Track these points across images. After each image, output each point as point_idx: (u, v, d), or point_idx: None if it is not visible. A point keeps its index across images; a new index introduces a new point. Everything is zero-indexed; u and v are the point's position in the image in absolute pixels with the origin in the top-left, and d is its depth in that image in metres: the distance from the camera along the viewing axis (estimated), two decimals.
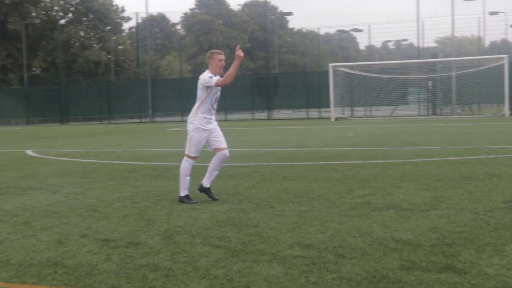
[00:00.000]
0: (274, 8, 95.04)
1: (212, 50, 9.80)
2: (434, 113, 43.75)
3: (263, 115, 48.34)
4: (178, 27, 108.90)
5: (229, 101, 47.83)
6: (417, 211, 8.06)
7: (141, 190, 10.76)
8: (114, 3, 77.33)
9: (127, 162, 15.70)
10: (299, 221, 7.64)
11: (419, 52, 51.96)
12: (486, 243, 6.33)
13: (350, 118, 43.21)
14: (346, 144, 19.41)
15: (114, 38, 76.02)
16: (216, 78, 9.28)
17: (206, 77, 9.31)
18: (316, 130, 29.70)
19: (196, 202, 9.31)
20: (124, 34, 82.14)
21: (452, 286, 5.03)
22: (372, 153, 16.29)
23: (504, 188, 9.71)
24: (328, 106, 42.57)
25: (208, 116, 9.50)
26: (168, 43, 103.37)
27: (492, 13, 73.91)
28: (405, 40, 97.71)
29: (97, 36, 76.51)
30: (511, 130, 24.73)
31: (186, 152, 9.52)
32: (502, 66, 39.75)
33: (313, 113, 46.19)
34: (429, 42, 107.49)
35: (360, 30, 75.96)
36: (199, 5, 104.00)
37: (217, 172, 9.71)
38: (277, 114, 50.06)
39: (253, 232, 7.14)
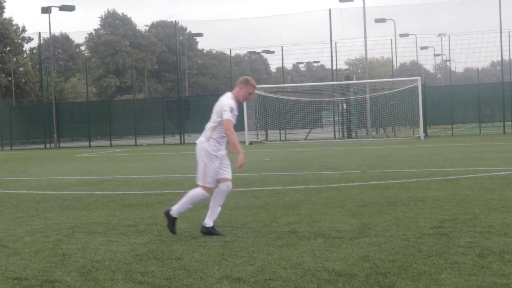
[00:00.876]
0: (183, 29, 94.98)
1: (249, 78, 9.15)
2: (349, 136, 44.38)
3: (175, 139, 48.02)
4: (83, 48, 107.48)
5: (138, 126, 47.33)
6: (346, 239, 8.04)
7: (52, 222, 10.38)
8: (14, 22, 75.59)
9: (34, 192, 15.21)
10: (225, 253, 7.50)
11: (332, 74, 52.74)
12: (421, 271, 6.33)
13: (265, 142, 43.38)
14: (263, 169, 19.38)
15: (15, 59, 74.29)
16: (229, 117, 8.80)
17: (228, 105, 8.81)
18: (230, 155, 29.57)
19: (176, 233, 8.77)
20: (25, 55, 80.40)
21: None
22: (292, 178, 16.31)
23: (430, 213, 9.82)
24: (242, 129, 42.58)
25: (222, 141, 8.93)
26: (72, 65, 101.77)
27: (402, 35, 75.97)
28: (317, 62, 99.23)
29: None
30: (427, 152, 25.25)
31: (201, 184, 8.84)
32: (415, 88, 40.73)
33: None
34: (340, 64, 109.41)
35: (272, 52, 76.55)
36: (104, 25, 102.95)
37: (219, 208, 8.98)
38: (189, 138, 49.77)
39: (178, 265, 6.95)
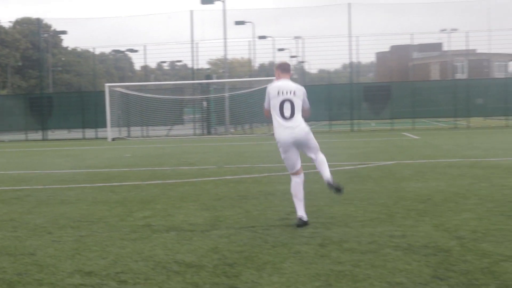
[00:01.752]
0: (48, 27, 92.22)
1: (280, 63, 9.17)
2: (209, 133, 44.55)
3: (38, 135, 46.61)
4: None
5: (0, 121, 45.66)
6: (198, 232, 8.07)
7: None
8: None
9: None
10: (79, 247, 7.35)
11: (194, 73, 52.71)
12: (266, 261, 6.44)
13: (127, 138, 42.83)
14: (124, 165, 19.14)
15: None
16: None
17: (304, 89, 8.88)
18: (93, 150, 29.06)
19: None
20: None
21: None
22: (151, 173, 16.19)
23: (279, 206, 10.01)
24: (104, 126, 41.89)
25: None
26: None
27: (261, 37, 76.97)
28: (180, 61, 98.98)
29: None
30: None
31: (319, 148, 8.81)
32: None
33: (90, 133, 45.27)
34: (202, 63, 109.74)
35: (136, 51, 75.63)
36: None
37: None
38: (52, 134, 48.48)
39: (30, 261, 6.75)
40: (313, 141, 8.79)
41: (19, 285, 5.81)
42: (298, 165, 8.82)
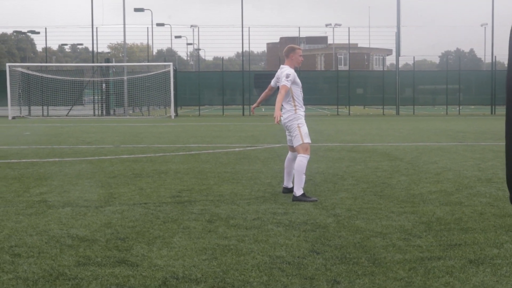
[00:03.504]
0: None
1: (292, 46, 8.85)
2: (108, 114, 43.79)
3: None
4: None
5: None
6: (92, 208, 7.92)
7: None
8: None
9: None
10: None
11: (94, 56, 51.53)
12: (156, 236, 6.39)
13: (28, 117, 41.55)
14: (23, 143, 18.54)
15: None
16: (286, 84, 8.60)
17: (287, 72, 8.65)
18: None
19: (316, 200, 8.46)
20: None
21: (125, 279, 4.97)
22: (49, 151, 15.76)
23: (171, 184, 9.95)
24: (5, 105, 40.48)
25: (302, 108, 8.86)
26: None
27: (159, 24, 76.02)
28: (81, 44, 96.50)
29: None
30: (176, 130, 25.58)
31: (300, 143, 8.67)
32: (168, 72, 41.06)
33: None
34: (103, 47, 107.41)
35: (37, 32, 73.15)
36: None
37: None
38: None
39: None
40: (293, 128, 8.82)
41: None
42: (290, 144, 9.05)
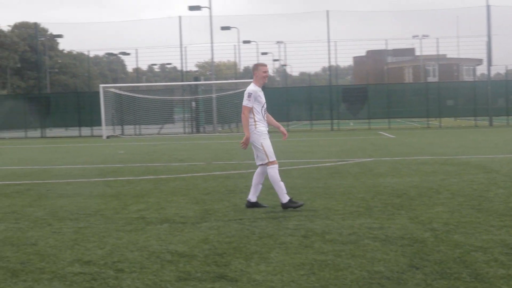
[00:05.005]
0: (44, 30, 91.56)
1: (256, 63, 9.43)
2: (198, 131, 44.50)
3: (36, 133, 46.39)
4: None
5: (1, 120, 45.46)
6: (189, 224, 8.07)
7: None
8: None
9: None
10: (78, 238, 7.34)
11: (183, 75, 52.60)
12: (253, 251, 6.46)
13: (121, 136, 42.72)
14: (118, 161, 19.09)
15: None
16: (247, 105, 9.13)
17: (247, 92, 9.15)
18: (89, 147, 28.97)
19: (302, 204, 8.95)
20: None
21: None
22: (144, 169, 16.16)
23: (265, 200, 9.98)
24: (99, 124, 41.78)
25: (264, 123, 9.19)
26: None
27: (245, 42, 76.90)
28: (169, 63, 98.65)
29: None
30: None
31: (265, 162, 9.11)
32: None
33: (86, 131, 45.15)
34: (191, 66, 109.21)
35: (128, 54, 75.29)
36: None
37: (261, 186, 9.38)
38: (50, 132, 48.25)
39: (32, 251, 6.73)
40: (257, 146, 9.19)
41: (22, 274, 5.79)
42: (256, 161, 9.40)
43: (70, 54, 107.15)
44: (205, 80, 54.29)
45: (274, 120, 9.73)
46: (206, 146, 27.39)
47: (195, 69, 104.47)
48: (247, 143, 9.13)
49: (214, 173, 14.60)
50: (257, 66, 9.39)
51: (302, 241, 6.86)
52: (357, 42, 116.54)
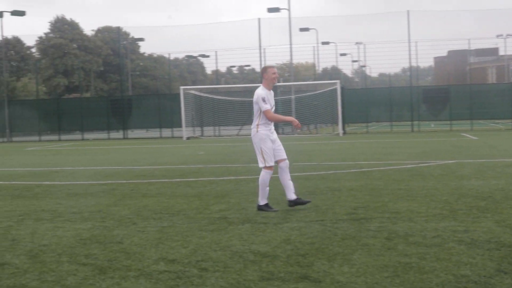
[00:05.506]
0: (126, 34, 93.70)
1: (265, 66, 9.63)
2: (276, 133, 44.54)
3: (119, 134, 47.50)
4: (34, 50, 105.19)
5: (85, 122, 46.71)
6: (271, 224, 8.11)
7: (3, 209, 10.18)
8: None
9: None
10: (162, 237, 7.48)
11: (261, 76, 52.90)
12: (336, 252, 6.44)
13: (201, 137, 43.27)
14: (199, 162, 19.35)
15: None
16: (267, 108, 9.28)
17: (260, 96, 9.29)
18: (169, 148, 29.46)
19: (277, 210, 9.19)
20: None
21: None
22: (224, 170, 16.32)
23: (346, 201, 9.97)
24: (180, 126, 42.41)
25: (269, 127, 9.40)
26: (24, 66, 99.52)
27: (324, 43, 76.65)
28: (248, 65, 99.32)
29: None
30: (345, 147, 25.60)
31: (262, 166, 9.37)
32: (335, 90, 41.22)
33: (166, 132, 45.91)
34: None
35: (207, 56, 76.27)
36: (53, 29, 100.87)
37: (291, 181, 9.56)
38: (132, 133, 49.32)
39: (118, 248, 6.90)
40: (257, 150, 9.46)
41: (109, 271, 5.95)
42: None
43: (151, 57, 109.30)
44: (283, 81, 54.32)
45: (281, 116, 10.29)
46: (285, 147, 27.36)
47: None
48: (297, 122, 9.61)
49: (294, 174, 14.53)
50: (265, 68, 9.51)
51: (385, 243, 6.79)
52: (438, 42, 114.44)
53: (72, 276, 5.77)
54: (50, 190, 12.86)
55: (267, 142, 9.32)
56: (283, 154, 9.54)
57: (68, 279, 5.67)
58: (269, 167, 9.35)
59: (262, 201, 9.32)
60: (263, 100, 9.23)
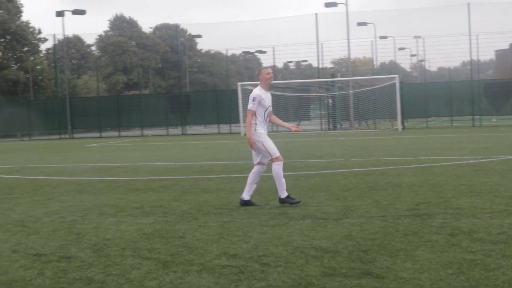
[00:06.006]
0: (184, 31, 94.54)
1: (259, 68, 9.94)
2: (334, 128, 44.38)
3: (177, 130, 47.98)
4: (93, 48, 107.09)
5: (144, 118, 47.33)
6: (331, 220, 8.08)
7: (67, 204, 10.40)
8: (31, 25, 75.25)
9: (50, 178, 15.20)
10: (223, 232, 7.53)
11: (319, 72, 52.67)
12: (398, 248, 6.37)
13: None
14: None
15: (32, 58, 74.04)
16: (251, 108, 9.54)
17: (252, 96, 9.53)
18: (228, 144, 29.63)
19: (299, 201, 9.39)
20: (41, 54, 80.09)
21: None
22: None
23: (407, 197, 9.86)
24: (237, 121, 42.60)
25: (264, 126, 9.65)
26: (84, 63, 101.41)
27: (382, 37, 75.87)
28: (305, 61, 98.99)
29: (15, 56, 74.25)
30: (404, 143, 25.31)
31: (270, 158, 9.53)
32: (394, 85, 40.78)
33: (224, 128, 46.19)
34: (326, 63, 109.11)
35: (264, 52, 76.31)
36: (112, 27, 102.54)
37: (255, 185, 9.77)
38: (190, 129, 49.77)
39: (180, 243, 6.98)
40: (259, 147, 9.57)
41: (172, 265, 6.01)
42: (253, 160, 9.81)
43: (208, 53, 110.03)
44: (341, 77, 54.01)
45: (280, 120, 10.32)
46: (343, 142, 27.30)
47: (330, 66, 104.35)
48: (251, 145, 9.49)
49: (353, 169, 14.52)
50: (259, 70, 9.73)
51: (449, 240, 6.69)
52: (499, 35, 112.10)
53: (136, 270, 5.86)
54: (112, 185, 13.09)
55: (266, 137, 9.55)
56: (265, 159, 9.70)
57: (132, 273, 5.77)
58: (277, 158, 9.50)
59: (283, 194, 9.43)
60: (253, 100, 9.49)
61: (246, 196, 9.59)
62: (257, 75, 9.77)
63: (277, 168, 9.46)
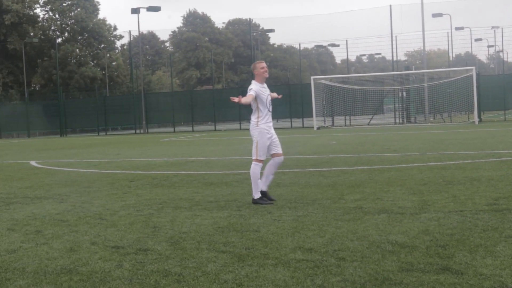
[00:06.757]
0: (257, 26, 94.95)
1: (254, 62, 10.05)
2: (408, 121, 43.76)
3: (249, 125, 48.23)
4: (167, 44, 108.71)
5: (217, 113, 47.77)
6: (408, 215, 7.96)
7: (143, 198, 10.58)
8: (107, 22, 76.97)
9: (127, 172, 15.51)
10: (298, 226, 7.52)
11: (393, 64, 52.00)
12: (477, 244, 6.23)
13: (331, 127, 43.16)
14: (331, 152, 19.30)
15: (108, 55, 75.70)
16: (251, 94, 9.58)
17: (249, 88, 9.70)
18: (300, 138, 29.60)
19: (271, 203, 9.38)
20: (117, 51, 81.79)
21: (451, 286, 4.92)
22: (357, 159, 16.19)
23: (486, 192, 9.63)
24: (310, 115, 42.52)
25: (268, 120, 9.71)
26: (158, 59, 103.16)
27: (458, 28, 74.32)
28: (378, 54, 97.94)
29: (92, 53, 76.11)
30: (482, 136, 24.73)
31: (254, 157, 9.61)
32: (470, 77, 39.90)
33: (297, 122, 46.15)
34: (400, 55, 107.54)
35: (337, 45, 75.87)
36: (186, 23, 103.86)
37: (272, 176, 9.84)
38: None
39: (255, 237, 7.00)
40: (254, 141, 9.66)
41: (247, 259, 6.04)
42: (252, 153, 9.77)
43: (280, 47, 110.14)
44: (415, 69, 53.18)
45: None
46: (418, 136, 26.87)
47: (403, 58, 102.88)
48: (238, 99, 9.38)
49: (429, 163, 14.27)
50: (254, 65, 9.82)
51: None
52: None
53: (212, 263, 5.91)
54: (187, 179, 13.24)
55: (264, 137, 9.55)
56: (279, 149, 9.74)
57: (208, 266, 5.82)
58: (260, 160, 9.54)
59: (256, 195, 9.42)
60: (249, 90, 9.60)
61: (262, 187, 9.56)
62: (252, 70, 9.88)
63: (256, 169, 9.49)
